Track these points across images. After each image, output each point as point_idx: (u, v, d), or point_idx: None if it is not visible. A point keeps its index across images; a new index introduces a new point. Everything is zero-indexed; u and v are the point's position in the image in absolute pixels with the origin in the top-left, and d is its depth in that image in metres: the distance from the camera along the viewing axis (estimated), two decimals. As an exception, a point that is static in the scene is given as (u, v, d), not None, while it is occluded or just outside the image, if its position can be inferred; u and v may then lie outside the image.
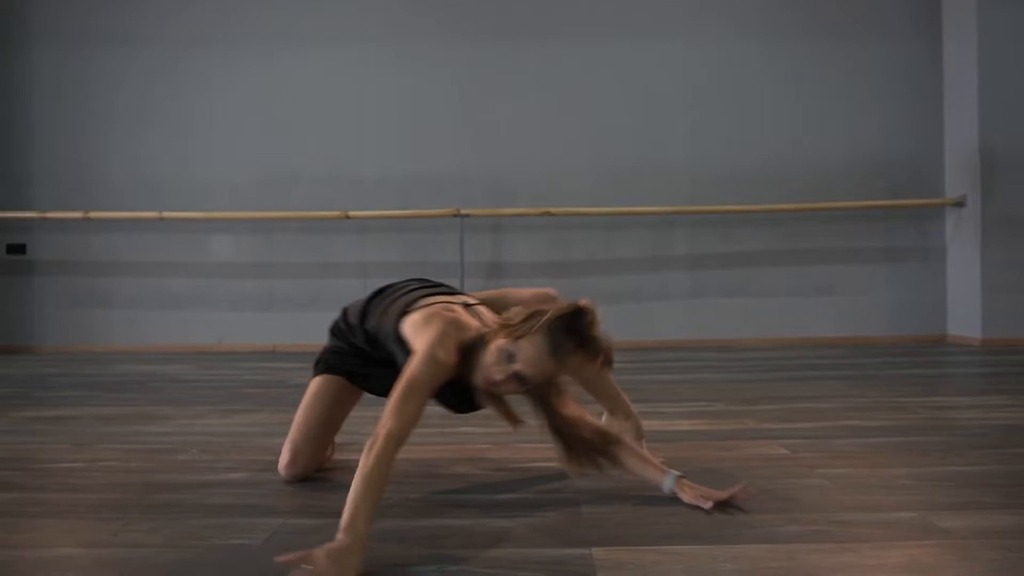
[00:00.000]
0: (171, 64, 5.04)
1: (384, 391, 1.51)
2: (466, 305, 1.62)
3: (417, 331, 1.51)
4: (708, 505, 1.51)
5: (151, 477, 1.83)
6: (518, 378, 1.45)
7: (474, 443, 2.14)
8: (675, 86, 5.03)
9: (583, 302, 1.47)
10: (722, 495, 1.53)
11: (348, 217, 4.81)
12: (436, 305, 1.57)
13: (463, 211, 4.78)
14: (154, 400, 3.00)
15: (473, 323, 1.54)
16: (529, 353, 1.42)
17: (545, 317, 1.44)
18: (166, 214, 4.84)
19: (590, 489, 1.68)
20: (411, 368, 1.41)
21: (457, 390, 1.55)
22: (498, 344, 1.45)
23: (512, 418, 1.61)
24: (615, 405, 1.92)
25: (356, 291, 5.03)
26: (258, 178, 5.01)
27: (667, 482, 1.58)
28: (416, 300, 1.62)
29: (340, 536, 1.19)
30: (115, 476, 1.85)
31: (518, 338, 1.44)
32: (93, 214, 4.85)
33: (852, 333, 4.96)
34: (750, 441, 2.14)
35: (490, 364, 1.45)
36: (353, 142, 5.02)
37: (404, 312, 1.60)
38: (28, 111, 5.07)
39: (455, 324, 1.49)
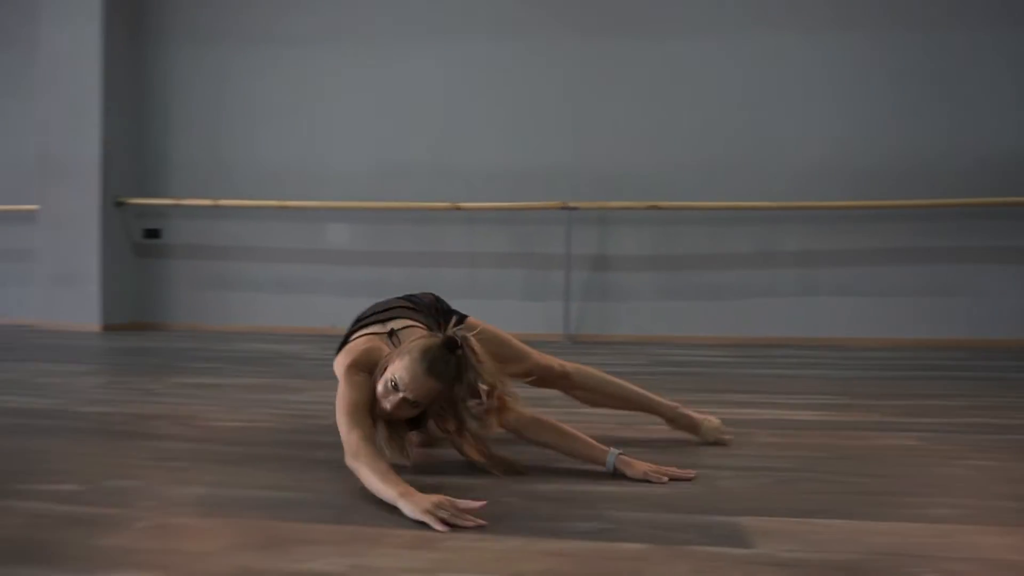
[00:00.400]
0: (297, 60, 5.31)
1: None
2: (391, 332, 1.71)
3: (337, 365, 1.67)
4: (664, 480, 1.55)
5: (305, 436, 1.99)
6: (406, 401, 1.52)
7: (604, 423, 2.20)
8: (785, 80, 4.93)
9: (458, 333, 1.55)
10: (675, 471, 1.57)
11: (458, 208, 4.95)
12: (360, 339, 1.70)
13: (571, 204, 4.85)
14: (286, 374, 3.21)
15: (384, 350, 1.64)
16: (405, 376, 1.50)
17: (417, 339, 1.54)
18: (288, 203, 5.12)
19: (724, 465, 1.71)
20: (338, 399, 1.55)
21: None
22: (386, 374, 1.54)
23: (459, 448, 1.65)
24: (650, 408, 1.98)
25: (464, 280, 5.22)
26: (373, 170, 5.22)
27: (609, 460, 1.60)
28: (349, 335, 1.78)
29: (405, 499, 1.33)
30: (274, 434, 2.02)
31: (394, 362, 1.52)
32: (222, 201, 5.18)
33: (971, 335, 4.74)
34: (881, 432, 2.12)
35: (381, 395, 1.55)
36: (463, 136, 5.16)
37: (339, 348, 1.76)
38: (165, 104, 5.45)
39: (365, 351, 1.63)
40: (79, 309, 5.11)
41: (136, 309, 5.43)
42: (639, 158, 5.02)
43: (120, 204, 5.26)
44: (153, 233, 5.48)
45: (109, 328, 5.13)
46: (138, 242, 5.47)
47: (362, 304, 5.18)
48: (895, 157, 4.83)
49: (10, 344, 4.21)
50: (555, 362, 1.97)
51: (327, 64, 5.30)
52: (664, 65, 5.02)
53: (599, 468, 1.61)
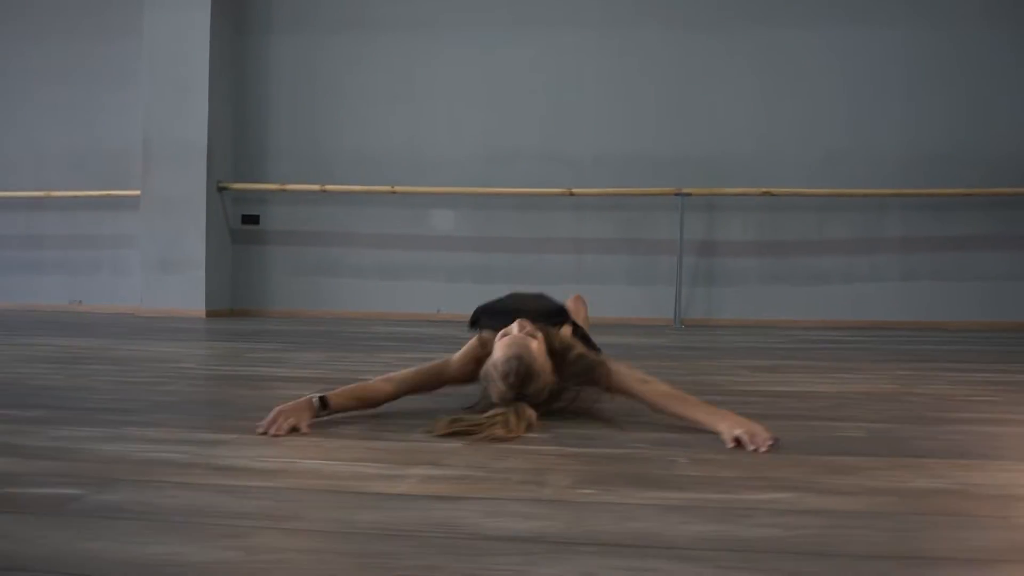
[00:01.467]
0: (400, 47, 5.33)
1: None
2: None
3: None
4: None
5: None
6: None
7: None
8: (889, 69, 5.04)
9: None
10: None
11: (572, 194, 5.00)
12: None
13: (684, 190, 4.91)
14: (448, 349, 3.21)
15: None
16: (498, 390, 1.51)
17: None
18: (398, 188, 5.13)
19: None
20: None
21: None
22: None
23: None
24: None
25: (570, 266, 5.27)
26: (480, 155, 5.25)
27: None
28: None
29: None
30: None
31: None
32: (330, 187, 5.18)
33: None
34: None
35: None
36: (571, 122, 5.21)
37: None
38: (266, 92, 5.44)
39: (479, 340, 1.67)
40: (185, 295, 5.09)
41: (234, 295, 5.41)
42: (745, 146, 5.10)
43: (222, 189, 5.24)
44: (252, 219, 5.46)
45: (212, 314, 5.11)
46: (236, 228, 5.45)
47: (466, 290, 5.24)
48: (996, 144, 4.95)
49: (182, 328, 4.18)
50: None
51: (430, 50, 5.31)
52: (768, 55, 5.10)
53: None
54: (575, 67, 5.24)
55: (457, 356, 1.68)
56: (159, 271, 5.11)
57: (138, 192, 5.20)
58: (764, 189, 4.90)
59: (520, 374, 1.42)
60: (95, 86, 5.55)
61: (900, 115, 5.02)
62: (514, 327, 1.56)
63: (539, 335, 1.55)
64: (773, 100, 5.10)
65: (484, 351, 1.62)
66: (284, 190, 5.25)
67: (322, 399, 1.50)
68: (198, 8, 5.06)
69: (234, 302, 5.40)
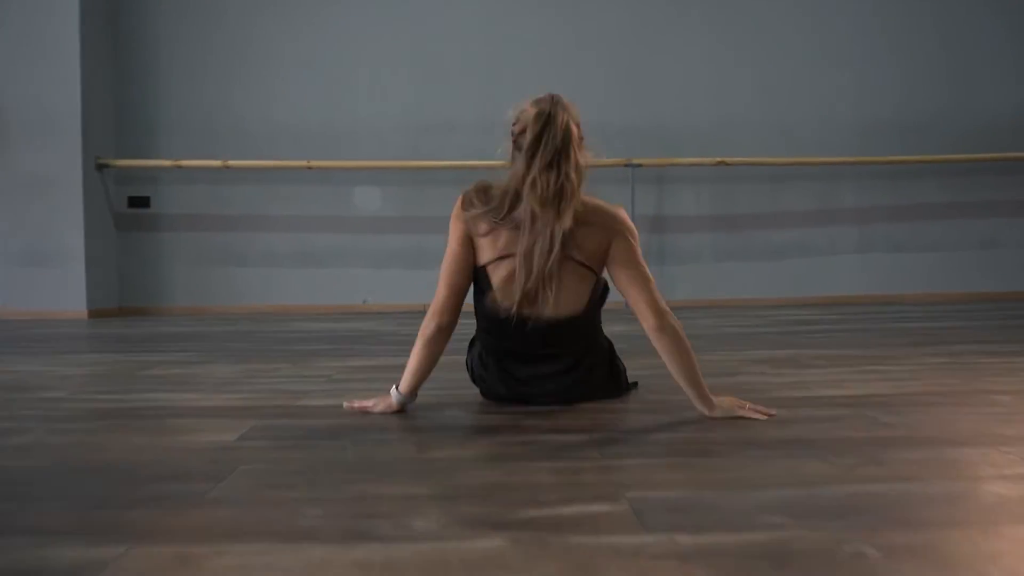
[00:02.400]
0: (309, 5, 4.66)
1: None
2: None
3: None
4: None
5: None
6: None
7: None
8: (840, 40, 4.79)
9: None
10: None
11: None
12: None
13: (634, 160, 4.51)
14: (394, 352, 2.70)
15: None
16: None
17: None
18: (314, 163, 4.49)
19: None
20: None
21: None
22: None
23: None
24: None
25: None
26: (409, 126, 4.68)
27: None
28: None
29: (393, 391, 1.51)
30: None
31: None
32: (233, 163, 4.48)
33: (1019, 288, 4.81)
34: None
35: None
36: (511, 90, 4.69)
37: None
38: (154, 53, 4.66)
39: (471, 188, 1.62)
40: (60, 293, 4.30)
41: (123, 291, 4.66)
42: (698, 114, 4.75)
43: (103, 167, 4.46)
44: (141, 201, 4.70)
45: (96, 314, 4.35)
46: (121, 212, 4.67)
47: (397, 276, 4.69)
48: (949, 113, 4.80)
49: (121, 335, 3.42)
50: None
51: (351, 7, 4.68)
52: (724, 19, 4.76)
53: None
54: (517, 30, 4.74)
55: (451, 236, 1.57)
56: (26, 264, 4.30)
57: (-5, 171, 4.35)
58: (719, 159, 4.56)
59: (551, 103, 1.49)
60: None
61: (855, 83, 4.80)
62: None
63: None
64: (727, 66, 4.77)
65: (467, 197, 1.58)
66: (179, 167, 4.52)
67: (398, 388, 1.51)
68: (64, -51, 4.24)
69: (122, 299, 4.65)
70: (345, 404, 1.56)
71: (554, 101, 1.52)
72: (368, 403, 1.54)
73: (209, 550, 0.80)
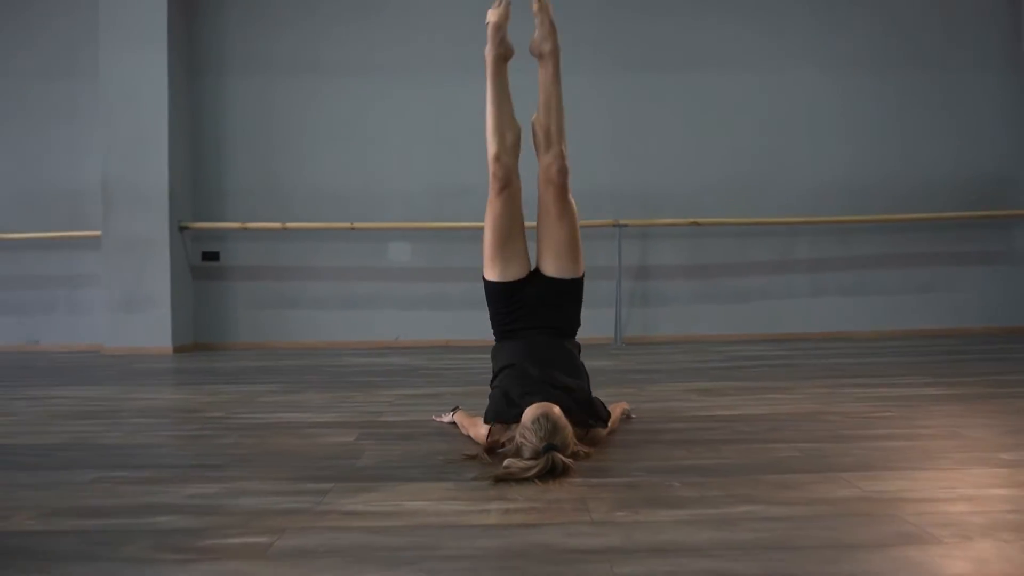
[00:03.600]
0: (353, 88, 5.66)
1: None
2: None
3: None
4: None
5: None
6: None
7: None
8: (797, 112, 5.74)
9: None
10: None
11: (520, 227, 5.45)
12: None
13: (621, 221, 5.44)
14: (431, 383, 3.61)
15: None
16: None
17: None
18: (357, 224, 5.46)
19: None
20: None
21: None
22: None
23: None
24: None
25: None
26: (432, 191, 5.64)
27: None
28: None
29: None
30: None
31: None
32: (291, 225, 5.46)
33: (950, 325, 5.68)
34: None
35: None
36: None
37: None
38: (222, 133, 5.66)
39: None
40: (150, 332, 5.26)
41: (197, 330, 5.61)
42: (674, 179, 5.69)
43: (183, 229, 5.44)
44: (212, 256, 5.67)
45: (178, 350, 5.31)
46: (196, 264, 5.65)
47: (423, 317, 5.62)
48: (891, 178, 5.72)
49: (230, 367, 4.37)
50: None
51: (382, 91, 5.68)
52: (694, 100, 5.72)
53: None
54: (518, 108, 5.69)
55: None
56: (123, 310, 5.27)
57: (97, 233, 5.33)
58: (692, 219, 5.49)
59: (549, 425, 1.83)
60: (45, 127, 5.64)
61: (808, 152, 5.73)
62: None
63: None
64: (698, 139, 5.71)
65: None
66: (245, 228, 5.49)
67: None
68: (154, 49, 5.26)
69: (197, 336, 5.60)
70: (433, 417, 2.48)
71: (551, 447, 1.74)
72: (444, 418, 2.46)
73: (376, 484, 1.72)
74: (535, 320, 2.22)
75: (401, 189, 5.66)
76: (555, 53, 2.34)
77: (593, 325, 5.86)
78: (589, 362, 2.27)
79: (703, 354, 4.65)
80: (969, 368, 3.75)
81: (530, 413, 1.85)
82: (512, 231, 2.24)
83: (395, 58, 5.69)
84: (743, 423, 2.40)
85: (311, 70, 5.67)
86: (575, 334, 2.31)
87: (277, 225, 5.46)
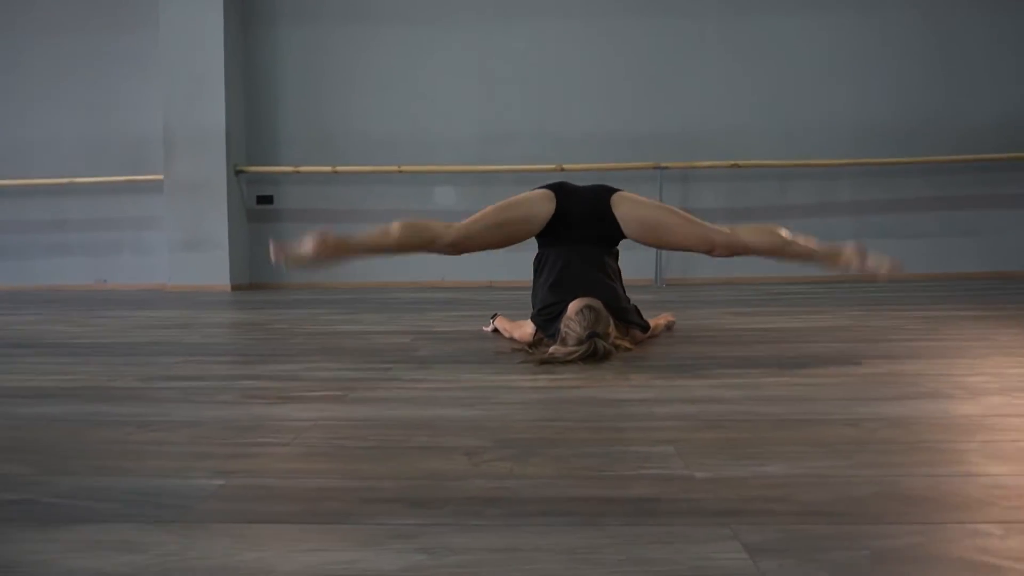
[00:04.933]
0: (401, 37, 5.78)
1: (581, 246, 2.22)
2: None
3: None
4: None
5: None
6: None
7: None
8: (840, 52, 5.68)
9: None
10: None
11: (562, 170, 5.56)
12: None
13: (662, 164, 5.51)
14: (478, 308, 3.77)
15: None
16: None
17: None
18: (404, 167, 5.63)
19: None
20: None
21: None
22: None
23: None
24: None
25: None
26: (477, 136, 5.77)
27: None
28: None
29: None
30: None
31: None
32: (341, 168, 5.65)
33: (995, 268, 5.65)
34: None
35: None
36: (560, 104, 5.75)
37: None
38: (274, 80, 5.85)
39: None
40: (210, 271, 5.54)
41: (252, 270, 5.88)
42: (715, 122, 5.71)
43: (239, 172, 5.67)
44: (266, 199, 5.91)
45: (235, 288, 5.58)
46: (252, 208, 5.89)
47: (467, 259, 5.80)
48: (936, 119, 5.66)
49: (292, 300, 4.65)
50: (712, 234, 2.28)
51: (430, 40, 5.79)
52: (735, 41, 5.70)
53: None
54: (562, 54, 5.77)
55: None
56: (184, 250, 5.55)
57: (159, 177, 5.60)
58: (732, 162, 5.53)
59: (592, 315, 1.98)
60: (110, 78, 5.90)
61: (850, 93, 5.68)
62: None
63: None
64: (739, 81, 5.71)
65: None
66: (297, 172, 5.70)
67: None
68: (211, 3, 5.44)
69: (252, 276, 5.87)
70: (483, 328, 2.62)
71: (595, 334, 1.90)
72: (487, 328, 2.63)
73: (434, 365, 1.90)
74: (576, 234, 2.34)
75: (446, 134, 5.80)
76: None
77: (634, 267, 6.02)
78: (631, 295, 2.39)
79: (742, 291, 4.74)
80: (1011, 300, 3.78)
81: (574, 305, 2.00)
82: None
83: (440, 5, 5.78)
84: (777, 332, 2.51)
85: (359, 19, 5.80)
86: (616, 245, 2.43)
87: (328, 168, 5.66)
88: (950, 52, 5.66)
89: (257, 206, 5.91)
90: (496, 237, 2.20)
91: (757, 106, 5.71)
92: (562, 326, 2.00)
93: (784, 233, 2.13)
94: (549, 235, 2.24)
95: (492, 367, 1.86)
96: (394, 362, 1.96)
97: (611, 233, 2.24)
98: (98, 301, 4.62)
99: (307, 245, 2.05)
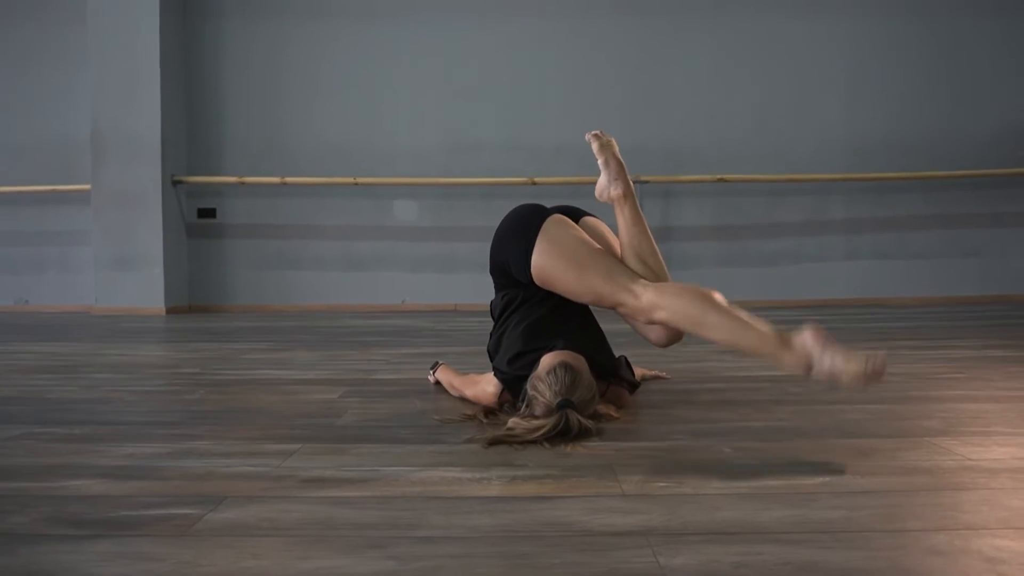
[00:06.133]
0: (358, 35, 5.29)
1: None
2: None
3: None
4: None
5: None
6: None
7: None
8: (833, 62, 5.30)
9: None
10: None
11: (534, 183, 5.09)
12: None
13: (642, 177, 5.06)
14: (436, 342, 3.29)
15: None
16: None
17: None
18: (360, 180, 5.12)
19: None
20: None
21: None
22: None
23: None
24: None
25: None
26: (442, 145, 5.28)
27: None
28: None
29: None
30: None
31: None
32: (290, 179, 5.12)
33: (997, 292, 5.28)
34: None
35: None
36: (532, 112, 5.29)
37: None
38: (218, 81, 5.32)
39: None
40: (142, 292, 4.97)
41: (192, 291, 5.32)
42: (700, 134, 5.29)
43: (177, 183, 5.12)
44: (208, 212, 5.36)
45: (171, 311, 5.01)
46: (192, 222, 5.33)
47: (431, 279, 5.27)
48: (933, 133, 5.29)
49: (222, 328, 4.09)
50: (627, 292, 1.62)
51: (390, 39, 5.30)
52: (721, 47, 5.29)
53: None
54: (535, 57, 5.31)
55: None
56: (114, 268, 4.98)
57: (87, 187, 5.03)
58: (718, 176, 5.10)
59: (568, 377, 1.48)
60: (32, 75, 5.33)
61: (845, 106, 5.30)
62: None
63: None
64: (726, 91, 5.30)
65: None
66: (243, 183, 5.17)
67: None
68: (144, -8, 4.90)
69: (192, 298, 5.31)
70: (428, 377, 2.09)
71: (567, 403, 1.44)
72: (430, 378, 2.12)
73: (352, 446, 1.40)
74: None
75: (409, 143, 5.30)
76: (630, 195, 1.78)
77: (611, 289, 5.57)
78: (607, 325, 1.92)
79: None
80: (1032, 332, 3.37)
81: (548, 360, 1.53)
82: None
83: (402, 3, 5.30)
84: (791, 383, 2.05)
85: (313, 15, 5.30)
86: None
87: (276, 180, 5.12)
88: (950, 63, 5.30)
89: (198, 220, 5.35)
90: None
91: (745, 117, 5.31)
92: (529, 387, 1.52)
93: (718, 297, 1.57)
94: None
95: (428, 453, 1.36)
96: (303, 439, 1.46)
97: None
98: (6, 327, 4.04)
99: None
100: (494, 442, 1.38)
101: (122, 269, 4.97)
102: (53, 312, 5.12)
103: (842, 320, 4.07)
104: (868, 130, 5.30)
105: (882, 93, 5.30)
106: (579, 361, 1.54)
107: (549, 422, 1.40)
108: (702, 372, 2.29)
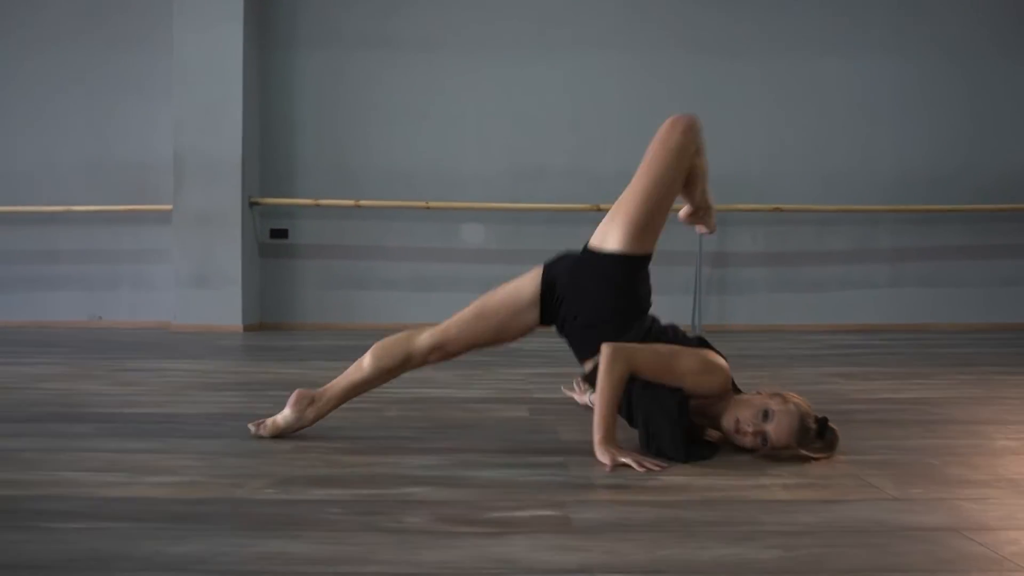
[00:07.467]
0: (427, 64, 5.51)
1: (577, 345, 1.91)
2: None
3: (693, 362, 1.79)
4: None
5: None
6: (763, 437, 1.62)
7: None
8: (879, 101, 5.58)
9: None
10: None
11: (599, 209, 5.32)
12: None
13: (702, 205, 5.30)
14: (546, 364, 3.49)
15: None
16: (783, 424, 1.60)
17: (806, 410, 1.64)
18: (432, 204, 5.33)
19: None
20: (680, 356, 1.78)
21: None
22: (763, 402, 1.65)
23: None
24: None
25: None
26: (508, 171, 5.51)
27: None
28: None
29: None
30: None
31: (776, 409, 1.62)
32: (364, 202, 5.33)
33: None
34: None
35: (746, 416, 1.64)
36: (595, 140, 5.53)
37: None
38: (293, 108, 5.53)
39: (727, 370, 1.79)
40: (221, 309, 5.14)
41: (264, 309, 5.50)
42: (755, 165, 5.55)
43: (253, 204, 5.32)
44: (280, 233, 5.55)
45: (247, 328, 5.19)
46: (265, 242, 5.52)
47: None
48: (976, 167, 5.57)
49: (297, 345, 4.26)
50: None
51: (457, 68, 5.53)
52: (779, 83, 5.56)
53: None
54: (598, 87, 5.56)
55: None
56: (193, 286, 5.15)
57: (167, 207, 5.22)
58: (775, 206, 5.35)
59: (802, 425, 1.61)
60: (114, 97, 5.51)
61: (892, 140, 5.57)
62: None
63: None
64: (781, 124, 5.56)
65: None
66: (317, 205, 5.37)
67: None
68: (229, 23, 5.11)
69: (264, 316, 5.48)
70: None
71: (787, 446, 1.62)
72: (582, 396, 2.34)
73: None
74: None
75: (476, 169, 5.52)
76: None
77: (670, 312, 5.72)
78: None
79: (795, 343, 4.51)
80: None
81: (779, 401, 1.65)
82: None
83: (472, 35, 5.54)
84: (929, 405, 2.27)
85: (383, 45, 5.52)
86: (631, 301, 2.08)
87: (351, 202, 5.32)
88: (988, 99, 5.59)
89: (270, 240, 5.54)
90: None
91: (795, 149, 5.57)
92: (750, 413, 1.64)
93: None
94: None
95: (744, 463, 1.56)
96: (562, 452, 1.65)
97: (624, 285, 1.95)
98: (101, 343, 4.20)
99: (284, 415, 1.87)
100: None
101: (201, 287, 5.15)
102: (129, 328, 5.27)
103: (903, 345, 4.30)
104: (913, 164, 5.57)
105: (926, 129, 5.58)
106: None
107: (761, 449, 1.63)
108: (831, 395, 2.49)
